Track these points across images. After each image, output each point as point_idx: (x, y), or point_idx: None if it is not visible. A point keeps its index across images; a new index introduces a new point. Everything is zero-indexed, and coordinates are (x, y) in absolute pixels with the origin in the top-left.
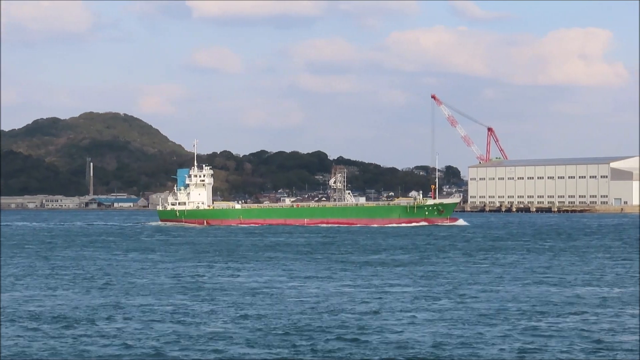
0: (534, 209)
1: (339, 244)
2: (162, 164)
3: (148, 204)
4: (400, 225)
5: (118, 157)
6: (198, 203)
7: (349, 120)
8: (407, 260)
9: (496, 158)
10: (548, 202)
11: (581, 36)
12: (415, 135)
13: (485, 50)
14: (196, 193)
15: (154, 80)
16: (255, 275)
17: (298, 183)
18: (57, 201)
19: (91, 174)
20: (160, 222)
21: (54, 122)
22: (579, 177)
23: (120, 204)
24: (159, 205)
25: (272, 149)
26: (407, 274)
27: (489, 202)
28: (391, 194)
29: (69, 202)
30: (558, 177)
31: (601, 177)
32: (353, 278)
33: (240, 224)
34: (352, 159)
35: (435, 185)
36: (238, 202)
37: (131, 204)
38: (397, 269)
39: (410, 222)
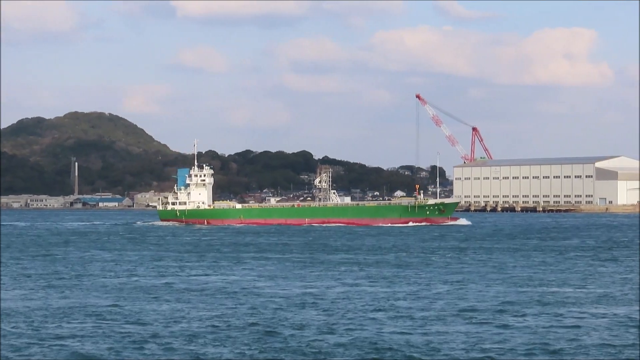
0: (519, 209)
1: (314, 244)
2: (147, 164)
3: (133, 203)
4: (395, 225)
5: (103, 157)
6: (198, 203)
7: (334, 119)
8: (378, 260)
9: (481, 158)
10: (533, 202)
11: (566, 36)
12: (400, 135)
13: (470, 50)
14: (197, 193)
15: (139, 80)
16: (213, 275)
17: (283, 183)
18: (42, 201)
19: (76, 174)
20: (161, 222)
21: (38, 121)
22: (564, 176)
23: (105, 204)
24: (158, 205)
25: (258, 148)
26: (373, 275)
27: (474, 201)
28: (376, 193)
29: (54, 202)
30: (543, 177)
31: (586, 176)
32: (308, 277)
33: (241, 223)
34: (337, 158)
35: (421, 185)
36: (236, 201)
37: (116, 204)
38: (368, 268)
39: (412, 222)
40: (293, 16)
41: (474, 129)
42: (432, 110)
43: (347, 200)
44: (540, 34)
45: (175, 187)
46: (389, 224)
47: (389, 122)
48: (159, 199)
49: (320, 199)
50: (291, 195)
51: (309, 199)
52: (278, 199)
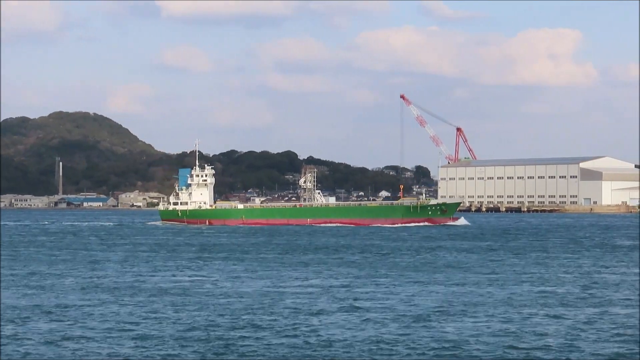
0: (504, 209)
1: (276, 244)
2: (132, 164)
3: (117, 203)
4: (393, 225)
5: (87, 157)
6: (200, 203)
7: (319, 120)
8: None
9: (465, 158)
10: (518, 202)
11: (550, 36)
12: (385, 135)
13: (454, 50)
14: (198, 193)
15: (123, 80)
16: (173, 275)
17: (268, 183)
18: (27, 200)
19: (60, 174)
20: (162, 222)
21: (23, 121)
22: (549, 177)
23: (89, 204)
24: (161, 205)
25: (242, 148)
26: (334, 274)
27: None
28: (361, 193)
29: (38, 202)
30: (528, 177)
31: (571, 177)
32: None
33: (243, 224)
34: (322, 158)
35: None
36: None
37: (100, 204)
38: (338, 268)
39: (413, 222)
40: (277, 16)
41: (458, 129)
42: (416, 110)
43: (332, 200)
44: (525, 35)
45: (177, 187)
46: (391, 224)
47: (374, 122)
48: (144, 198)
49: (305, 199)
50: (276, 196)
51: (293, 199)
52: (263, 199)
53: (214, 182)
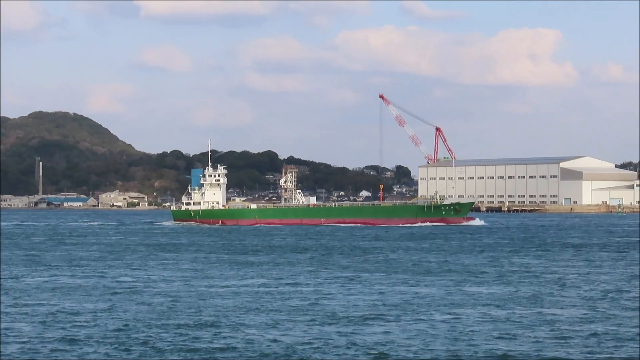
0: (484, 209)
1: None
2: (112, 164)
3: (98, 203)
4: (407, 224)
5: (67, 157)
6: (213, 203)
7: (299, 119)
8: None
9: (444, 158)
10: (498, 202)
11: (530, 36)
12: (365, 135)
13: (434, 50)
14: (211, 193)
15: (103, 79)
16: (125, 275)
17: (248, 183)
18: (7, 200)
19: (40, 174)
20: (174, 222)
21: (2, 121)
22: (529, 177)
23: (69, 204)
24: (172, 205)
25: (222, 148)
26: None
27: None
28: (342, 193)
29: (18, 202)
30: (508, 177)
31: (551, 177)
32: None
33: (257, 224)
34: (302, 158)
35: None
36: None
37: (81, 204)
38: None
39: (427, 222)
40: (257, 16)
41: (438, 129)
42: (395, 110)
43: (313, 200)
44: (505, 34)
45: (189, 187)
46: (405, 224)
47: (354, 122)
48: (124, 198)
49: (285, 199)
50: (256, 195)
51: (274, 199)
52: (243, 198)
53: (226, 182)
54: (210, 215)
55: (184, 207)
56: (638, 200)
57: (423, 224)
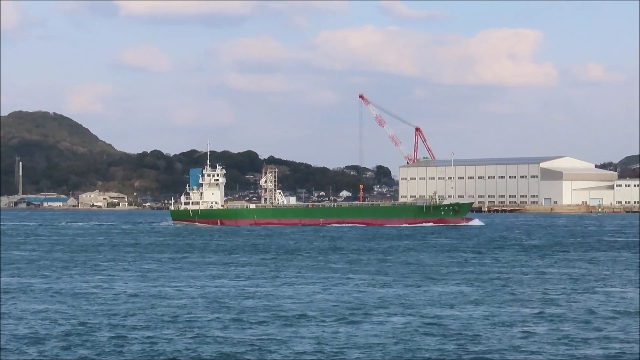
0: None
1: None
2: (92, 164)
3: (78, 203)
4: (405, 225)
5: (47, 157)
6: (211, 203)
7: (279, 119)
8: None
9: (424, 158)
10: (479, 202)
11: (510, 36)
12: (345, 135)
13: (414, 50)
14: (209, 193)
15: (82, 79)
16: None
17: (229, 182)
18: None
19: (20, 174)
20: (173, 222)
21: None
22: (509, 177)
23: (49, 204)
24: (174, 205)
25: (203, 148)
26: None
27: None
28: (322, 193)
29: None
30: (488, 177)
31: (531, 177)
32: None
33: (255, 224)
34: (283, 158)
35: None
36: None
37: (61, 204)
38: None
39: (426, 222)
40: (237, 15)
41: (417, 129)
42: (375, 110)
43: (293, 200)
44: (485, 34)
45: (188, 187)
46: (404, 224)
47: (334, 122)
48: (104, 198)
49: (266, 199)
50: (237, 195)
51: (254, 199)
52: (224, 198)
53: (225, 182)
54: (209, 215)
55: (182, 207)
56: (618, 200)
57: (425, 224)
